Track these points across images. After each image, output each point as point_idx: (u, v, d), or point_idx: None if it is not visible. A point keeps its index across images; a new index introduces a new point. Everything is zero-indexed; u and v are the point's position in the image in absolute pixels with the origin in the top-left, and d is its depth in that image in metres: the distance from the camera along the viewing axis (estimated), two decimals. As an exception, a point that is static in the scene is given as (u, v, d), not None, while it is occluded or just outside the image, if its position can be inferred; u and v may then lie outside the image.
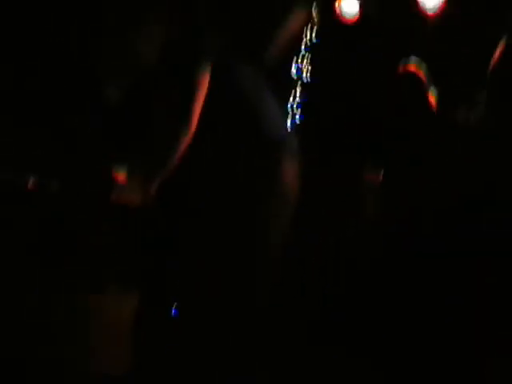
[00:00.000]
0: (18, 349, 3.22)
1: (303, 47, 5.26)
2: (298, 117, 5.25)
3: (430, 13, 4.58)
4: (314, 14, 5.19)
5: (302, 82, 5.27)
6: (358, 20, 5.00)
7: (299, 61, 5.26)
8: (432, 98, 3.93)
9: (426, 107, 3.87)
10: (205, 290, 3.30)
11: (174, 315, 3.27)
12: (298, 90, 5.26)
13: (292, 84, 5.23)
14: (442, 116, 3.87)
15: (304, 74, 5.26)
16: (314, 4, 5.14)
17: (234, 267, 3.27)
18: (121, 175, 3.26)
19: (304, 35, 5.22)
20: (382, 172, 3.99)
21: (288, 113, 5.18)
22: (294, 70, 5.26)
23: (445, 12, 4.50)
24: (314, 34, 5.25)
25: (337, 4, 5.08)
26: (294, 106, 5.24)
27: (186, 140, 3.14)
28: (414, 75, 3.93)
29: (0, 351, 3.18)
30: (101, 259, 3.28)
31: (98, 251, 3.25)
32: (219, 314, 3.24)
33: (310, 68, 5.25)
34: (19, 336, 3.23)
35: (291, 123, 5.19)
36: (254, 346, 3.23)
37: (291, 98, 5.26)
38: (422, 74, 3.97)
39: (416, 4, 4.63)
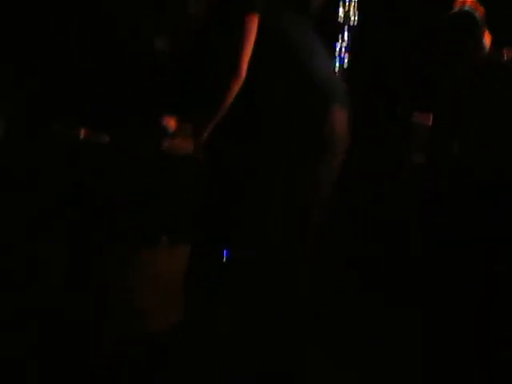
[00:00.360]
0: (66, 302, 3.24)
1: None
2: (345, 60, 5.18)
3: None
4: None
5: (349, 27, 5.18)
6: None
7: (346, 5, 5.17)
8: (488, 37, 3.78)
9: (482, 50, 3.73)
10: (256, 241, 3.31)
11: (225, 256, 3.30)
12: (346, 34, 5.18)
13: (339, 29, 5.15)
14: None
15: (351, 19, 5.17)
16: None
17: (284, 216, 3.27)
18: (172, 122, 3.26)
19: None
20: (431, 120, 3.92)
21: (336, 57, 5.11)
22: (341, 15, 5.18)
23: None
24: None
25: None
26: (342, 49, 5.17)
27: (237, 88, 3.14)
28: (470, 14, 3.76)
29: (48, 304, 3.20)
30: (152, 211, 3.28)
31: (150, 202, 3.25)
32: (270, 267, 3.26)
33: (357, 12, 5.15)
34: (68, 289, 3.25)
35: (339, 67, 5.13)
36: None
37: (339, 42, 5.18)
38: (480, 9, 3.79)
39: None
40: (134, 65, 3.44)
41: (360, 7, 5.12)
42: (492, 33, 3.73)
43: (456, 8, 3.74)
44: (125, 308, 3.19)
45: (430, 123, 3.90)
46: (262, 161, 3.29)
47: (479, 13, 3.69)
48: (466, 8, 3.68)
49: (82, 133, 3.29)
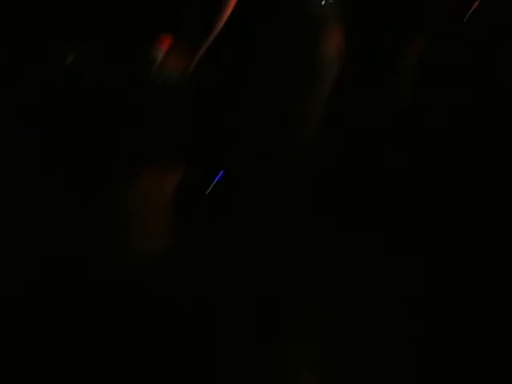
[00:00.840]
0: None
1: None
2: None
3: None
4: None
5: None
6: None
7: None
8: None
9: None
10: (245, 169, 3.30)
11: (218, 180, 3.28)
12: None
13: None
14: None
15: None
16: None
17: (274, 143, 3.26)
18: (165, 40, 3.22)
19: None
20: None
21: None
22: None
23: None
24: None
25: None
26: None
27: (230, 5, 3.10)
28: None
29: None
30: (140, 139, 3.24)
31: (138, 131, 3.21)
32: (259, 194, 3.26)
33: None
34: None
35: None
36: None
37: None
38: None
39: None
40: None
41: None
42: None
43: None
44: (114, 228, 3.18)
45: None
46: (255, 83, 3.27)
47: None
48: None
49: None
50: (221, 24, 3.13)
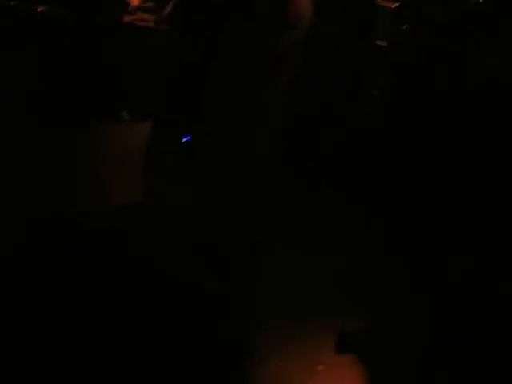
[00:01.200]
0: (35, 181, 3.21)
1: None
2: None
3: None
4: None
5: None
6: None
7: None
8: None
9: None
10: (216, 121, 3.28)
11: (185, 142, 3.26)
12: None
13: None
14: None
15: None
16: None
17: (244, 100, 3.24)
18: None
19: None
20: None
21: None
22: None
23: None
24: None
25: None
26: None
27: None
28: None
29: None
30: (113, 86, 3.24)
31: (111, 78, 3.21)
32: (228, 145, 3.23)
33: None
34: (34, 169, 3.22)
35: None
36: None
37: None
38: None
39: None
40: None
41: None
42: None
43: None
44: (85, 181, 3.17)
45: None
46: (228, 38, 3.24)
47: None
48: None
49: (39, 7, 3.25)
50: None
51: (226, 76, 3.26)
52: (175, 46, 3.28)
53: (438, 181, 3.72)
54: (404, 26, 3.83)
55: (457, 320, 3.22)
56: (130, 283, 3.05)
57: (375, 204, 3.92)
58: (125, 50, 3.22)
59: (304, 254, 3.55)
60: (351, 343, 3.26)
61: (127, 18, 3.21)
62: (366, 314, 3.34)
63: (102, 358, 2.76)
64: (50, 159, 3.26)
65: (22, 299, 2.91)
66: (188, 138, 3.27)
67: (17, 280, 2.97)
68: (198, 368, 2.90)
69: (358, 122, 4.02)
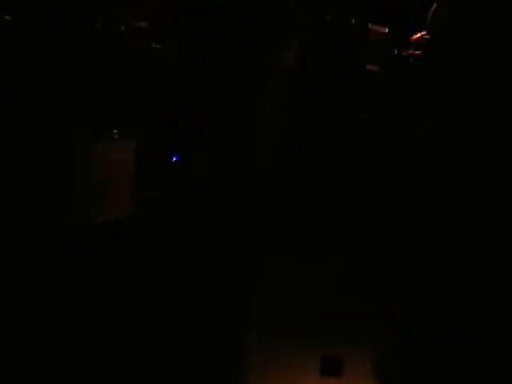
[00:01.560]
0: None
1: None
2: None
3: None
4: None
5: None
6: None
7: None
8: None
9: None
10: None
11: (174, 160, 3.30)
12: None
13: None
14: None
15: None
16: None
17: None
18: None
19: None
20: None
21: None
22: None
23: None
24: None
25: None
26: None
27: None
28: None
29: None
30: (101, 103, 3.26)
31: (97, 94, 3.24)
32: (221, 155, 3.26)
33: None
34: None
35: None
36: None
37: None
38: None
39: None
40: None
41: None
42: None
43: None
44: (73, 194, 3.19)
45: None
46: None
47: None
48: None
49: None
50: None
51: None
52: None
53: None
54: (395, 51, 3.88)
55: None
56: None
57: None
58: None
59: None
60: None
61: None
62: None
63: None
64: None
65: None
66: (176, 157, 3.33)
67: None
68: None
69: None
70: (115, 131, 3.32)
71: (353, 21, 4.09)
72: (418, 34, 3.77)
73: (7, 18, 3.20)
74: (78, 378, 2.63)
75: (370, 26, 4.04)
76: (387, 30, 4.07)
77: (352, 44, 4.09)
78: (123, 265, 3.11)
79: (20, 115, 3.21)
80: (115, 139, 3.34)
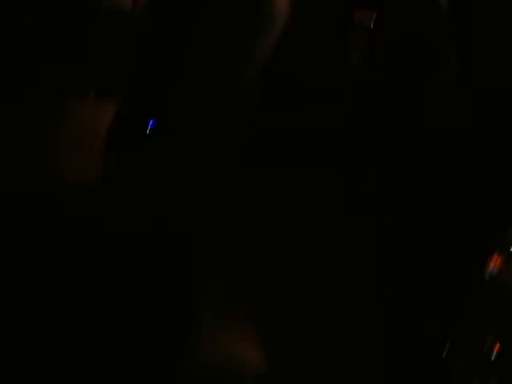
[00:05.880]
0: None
1: None
2: None
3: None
4: None
5: None
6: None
7: None
8: None
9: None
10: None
11: (151, 126, 3.26)
12: None
13: None
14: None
15: None
16: None
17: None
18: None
19: None
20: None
21: None
22: None
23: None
24: None
25: None
26: None
27: None
28: None
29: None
30: (79, 59, 3.21)
31: (77, 50, 3.19)
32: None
33: None
34: None
35: None
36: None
37: None
38: None
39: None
40: None
41: None
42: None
43: None
44: (41, 156, 3.16)
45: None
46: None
47: None
48: None
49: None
50: None
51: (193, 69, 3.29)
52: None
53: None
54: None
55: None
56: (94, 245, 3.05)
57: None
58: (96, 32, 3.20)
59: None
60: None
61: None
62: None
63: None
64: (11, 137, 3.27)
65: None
66: (153, 122, 3.28)
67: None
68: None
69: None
70: (87, 90, 3.25)
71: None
72: None
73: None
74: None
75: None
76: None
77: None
78: (91, 227, 3.10)
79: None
80: (86, 99, 3.28)
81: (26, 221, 3.10)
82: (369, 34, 3.87)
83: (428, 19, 3.73)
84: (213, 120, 3.49)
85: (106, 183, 3.32)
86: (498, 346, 2.78)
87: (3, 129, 3.22)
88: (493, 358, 2.74)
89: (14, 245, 2.96)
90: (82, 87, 3.26)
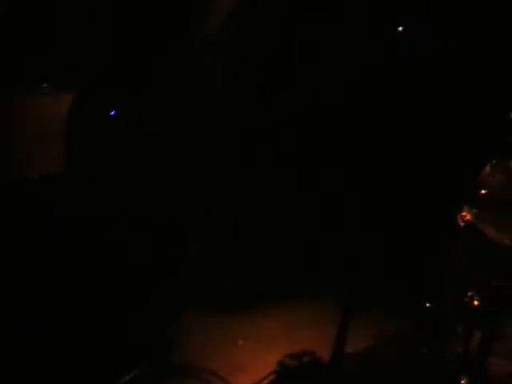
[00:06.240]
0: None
1: None
2: None
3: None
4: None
5: None
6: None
7: None
8: None
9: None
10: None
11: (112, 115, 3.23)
12: None
13: None
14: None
15: None
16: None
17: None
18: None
19: None
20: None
21: None
22: None
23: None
24: None
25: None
26: None
27: None
28: None
29: None
30: (37, 51, 3.15)
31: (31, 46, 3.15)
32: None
33: None
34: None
35: None
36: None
37: None
38: None
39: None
40: None
41: None
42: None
43: None
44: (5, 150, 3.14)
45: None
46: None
47: None
48: None
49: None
50: None
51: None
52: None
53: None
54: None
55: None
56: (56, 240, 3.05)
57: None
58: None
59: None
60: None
61: None
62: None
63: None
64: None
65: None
66: (114, 112, 3.25)
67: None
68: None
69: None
70: (45, 85, 3.20)
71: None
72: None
73: None
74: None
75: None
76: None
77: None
78: (53, 220, 3.08)
79: None
80: (45, 94, 3.21)
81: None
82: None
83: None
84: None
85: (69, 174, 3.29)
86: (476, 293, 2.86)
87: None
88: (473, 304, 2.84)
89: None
90: (39, 82, 3.23)
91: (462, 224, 2.95)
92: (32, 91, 3.20)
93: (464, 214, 2.93)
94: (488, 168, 3.04)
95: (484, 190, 2.98)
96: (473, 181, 3.02)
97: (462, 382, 2.87)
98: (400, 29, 3.61)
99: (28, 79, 3.19)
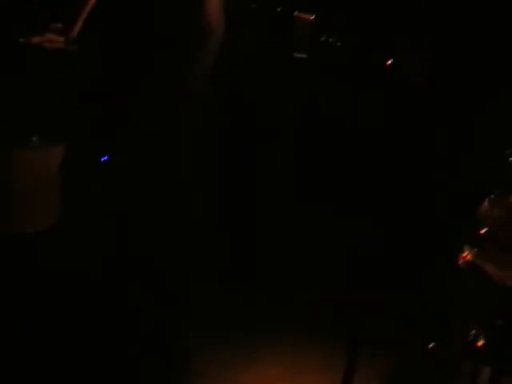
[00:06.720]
0: None
1: None
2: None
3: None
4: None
5: None
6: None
7: None
8: None
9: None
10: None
11: (104, 161, 3.21)
12: None
13: None
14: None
15: None
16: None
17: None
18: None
19: None
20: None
21: None
22: None
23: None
24: None
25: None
26: None
27: None
28: None
29: None
30: (23, 111, 3.17)
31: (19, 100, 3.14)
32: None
33: None
34: None
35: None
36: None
37: None
38: None
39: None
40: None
41: None
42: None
43: None
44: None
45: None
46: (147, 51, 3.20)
47: None
48: None
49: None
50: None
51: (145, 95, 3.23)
52: (86, 66, 3.23)
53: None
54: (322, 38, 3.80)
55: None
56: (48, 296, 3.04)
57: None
58: (33, 72, 3.13)
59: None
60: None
61: (35, 40, 3.13)
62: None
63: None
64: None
65: None
66: (105, 158, 3.23)
67: None
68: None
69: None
70: (34, 139, 3.22)
71: (278, 9, 3.99)
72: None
73: None
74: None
75: (295, 13, 3.95)
76: (313, 17, 3.97)
77: (279, 32, 4.01)
78: (44, 277, 3.07)
79: None
80: (35, 147, 3.25)
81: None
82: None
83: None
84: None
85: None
86: (482, 332, 2.82)
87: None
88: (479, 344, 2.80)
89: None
90: (29, 136, 3.23)
91: (463, 265, 2.91)
92: (22, 145, 3.22)
93: (465, 254, 2.88)
94: (486, 203, 3.05)
95: (483, 227, 2.93)
96: (472, 218, 3.00)
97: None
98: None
99: (17, 133, 3.21)
